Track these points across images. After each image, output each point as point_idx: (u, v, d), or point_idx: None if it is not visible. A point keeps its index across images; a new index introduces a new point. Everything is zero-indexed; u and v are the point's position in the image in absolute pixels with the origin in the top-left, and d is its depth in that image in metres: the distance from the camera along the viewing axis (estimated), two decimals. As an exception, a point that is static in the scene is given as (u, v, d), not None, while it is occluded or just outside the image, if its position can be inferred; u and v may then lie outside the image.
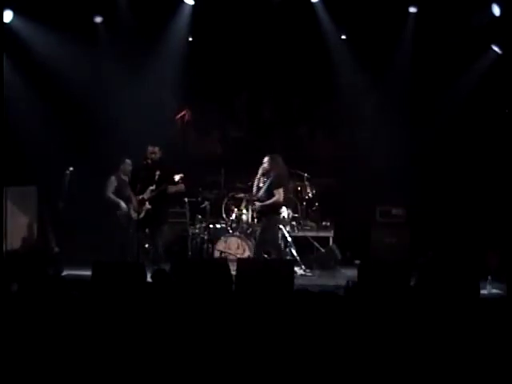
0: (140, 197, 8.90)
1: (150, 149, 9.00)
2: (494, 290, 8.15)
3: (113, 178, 9.22)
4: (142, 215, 8.88)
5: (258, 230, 9.19)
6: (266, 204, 8.82)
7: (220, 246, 9.54)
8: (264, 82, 11.80)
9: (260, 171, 9.11)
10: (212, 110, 12.09)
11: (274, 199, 8.78)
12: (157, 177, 8.97)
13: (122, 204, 9.14)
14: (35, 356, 4.28)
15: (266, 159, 8.94)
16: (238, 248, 9.30)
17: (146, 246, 9.28)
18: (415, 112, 11.04)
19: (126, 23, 10.64)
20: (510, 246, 8.50)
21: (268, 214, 8.93)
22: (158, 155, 9.07)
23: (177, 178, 8.99)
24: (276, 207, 8.99)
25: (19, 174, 9.81)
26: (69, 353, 4.34)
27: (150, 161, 8.98)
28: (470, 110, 10.69)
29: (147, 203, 8.94)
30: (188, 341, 4.47)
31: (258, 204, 8.93)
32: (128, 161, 9.29)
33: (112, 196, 9.18)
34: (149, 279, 6.35)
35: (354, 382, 4.15)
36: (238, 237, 9.41)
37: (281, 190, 8.79)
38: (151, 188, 8.95)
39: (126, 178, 9.23)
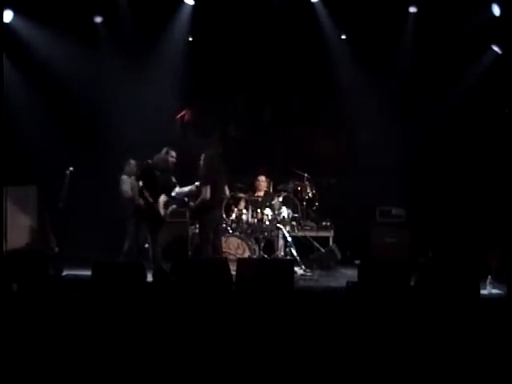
0: (171, 196, 8.96)
1: (174, 153, 8.98)
2: (494, 290, 8.14)
3: (125, 177, 9.28)
4: (167, 214, 8.94)
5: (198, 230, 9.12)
6: (196, 203, 8.79)
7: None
8: (264, 82, 11.81)
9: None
10: (212, 110, 12.10)
11: (200, 197, 8.68)
12: (174, 179, 9.00)
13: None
14: (35, 356, 4.28)
15: (202, 157, 8.86)
16: (237, 248, 9.29)
17: (146, 245, 9.24)
18: (415, 112, 11.04)
19: (126, 23, 10.64)
20: (510, 246, 8.49)
21: (200, 213, 8.88)
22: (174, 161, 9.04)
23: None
24: (204, 205, 8.81)
25: (19, 174, 9.81)
26: (69, 352, 4.34)
27: (171, 162, 8.96)
28: (470, 109, 10.69)
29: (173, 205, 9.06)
30: (188, 340, 4.47)
31: (192, 204, 8.89)
32: (133, 161, 9.33)
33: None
34: (148, 279, 6.37)
35: (354, 381, 4.15)
36: (238, 237, 9.40)
37: (208, 188, 8.66)
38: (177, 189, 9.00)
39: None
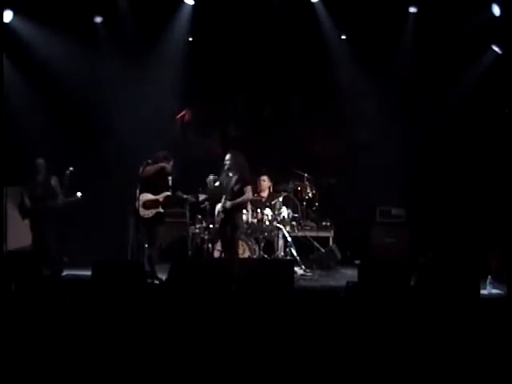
0: (155, 197, 8.84)
1: (171, 163, 8.98)
2: (494, 290, 8.15)
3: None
4: (149, 215, 8.82)
5: (228, 228, 8.64)
6: (237, 202, 8.63)
7: (220, 246, 9.53)
8: (264, 82, 11.81)
9: (225, 169, 8.88)
10: (212, 109, 12.10)
11: (244, 197, 8.50)
12: (170, 182, 8.95)
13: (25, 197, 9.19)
14: (34, 356, 4.28)
15: (228, 156, 8.64)
16: (238, 248, 9.28)
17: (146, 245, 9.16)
18: (415, 112, 11.04)
19: (126, 23, 10.64)
20: (511, 246, 8.49)
21: (238, 212, 8.79)
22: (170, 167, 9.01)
23: (201, 198, 9.03)
24: (245, 205, 8.85)
25: (19, 174, 9.81)
26: (68, 353, 4.34)
27: (167, 167, 8.93)
28: (470, 109, 10.69)
29: (161, 207, 8.89)
30: (188, 340, 4.47)
31: (229, 202, 8.62)
32: (39, 160, 9.29)
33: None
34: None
35: (354, 381, 4.15)
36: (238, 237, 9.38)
37: (250, 188, 8.56)
38: (167, 194, 8.90)
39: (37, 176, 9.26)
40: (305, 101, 12.05)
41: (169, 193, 8.90)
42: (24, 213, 9.16)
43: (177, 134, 12.09)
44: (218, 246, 9.51)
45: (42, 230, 9.07)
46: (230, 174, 8.50)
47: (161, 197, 8.84)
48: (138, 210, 8.57)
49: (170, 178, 8.95)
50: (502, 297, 7.66)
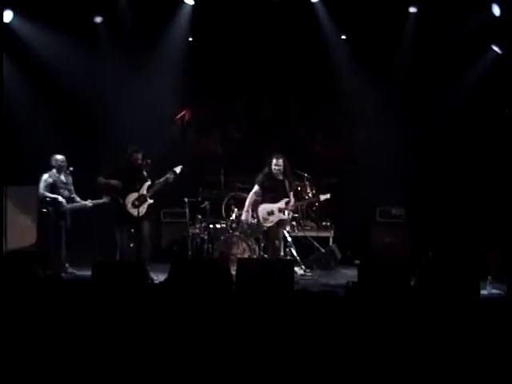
0: (139, 193, 8.82)
1: (139, 155, 8.94)
2: (494, 290, 8.14)
3: (46, 176, 9.14)
4: (143, 212, 8.83)
5: (281, 230, 9.05)
6: (297, 204, 9.02)
7: (220, 246, 9.52)
8: (264, 82, 11.82)
9: (273, 173, 8.93)
10: (212, 110, 12.10)
11: (294, 203, 9.05)
12: (146, 174, 8.94)
13: (60, 198, 9.08)
14: (33, 356, 4.28)
15: (280, 161, 8.81)
16: (237, 248, 9.28)
17: (131, 245, 9.12)
18: (415, 112, 11.04)
19: (126, 23, 10.65)
20: (511, 246, 8.49)
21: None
22: (140, 161, 8.98)
23: (178, 169, 8.96)
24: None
25: (19, 173, 9.81)
26: (68, 352, 4.34)
27: (137, 161, 8.91)
28: (470, 109, 10.69)
29: (149, 199, 8.90)
30: (188, 341, 4.47)
31: (296, 204, 8.98)
32: (58, 157, 9.24)
33: (46, 193, 9.07)
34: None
35: (354, 381, 4.15)
36: (238, 237, 9.39)
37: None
38: (148, 184, 8.90)
39: (60, 175, 9.21)
40: (305, 101, 12.05)
41: (148, 182, 8.89)
42: (59, 216, 9.10)
43: (177, 134, 12.09)
44: (219, 246, 9.50)
45: (57, 230, 9.08)
46: (281, 178, 8.82)
47: (143, 190, 8.85)
48: (129, 213, 8.63)
49: (144, 172, 8.92)
50: (502, 297, 7.66)
